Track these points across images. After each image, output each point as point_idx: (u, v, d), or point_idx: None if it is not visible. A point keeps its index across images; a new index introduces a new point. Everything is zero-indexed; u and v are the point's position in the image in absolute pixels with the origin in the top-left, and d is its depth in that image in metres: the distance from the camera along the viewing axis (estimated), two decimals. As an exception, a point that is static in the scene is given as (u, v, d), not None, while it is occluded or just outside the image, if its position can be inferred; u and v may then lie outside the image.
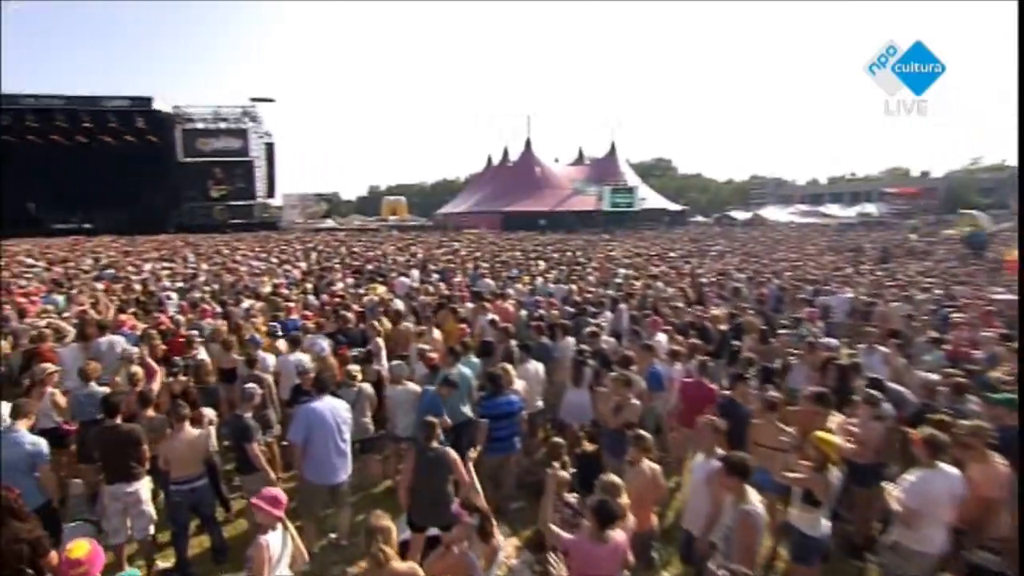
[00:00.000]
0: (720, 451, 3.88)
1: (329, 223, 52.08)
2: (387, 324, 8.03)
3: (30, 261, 18.65)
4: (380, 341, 7.10)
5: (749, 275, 14.42)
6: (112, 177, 42.13)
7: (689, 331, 7.85)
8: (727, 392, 5.41)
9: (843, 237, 32.65)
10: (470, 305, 9.60)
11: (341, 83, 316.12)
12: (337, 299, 10.05)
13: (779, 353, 7.41)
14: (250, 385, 5.02)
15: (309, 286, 12.03)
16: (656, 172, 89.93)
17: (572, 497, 4.47)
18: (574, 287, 11.50)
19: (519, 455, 5.46)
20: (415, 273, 14.51)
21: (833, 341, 7.30)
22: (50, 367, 5.95)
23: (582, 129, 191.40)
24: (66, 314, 9.11)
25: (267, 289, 11.71)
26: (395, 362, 6.18)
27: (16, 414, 4.14)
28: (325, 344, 6.97)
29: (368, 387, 5.71)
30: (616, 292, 10.92)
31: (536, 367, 6.14)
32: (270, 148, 46.77)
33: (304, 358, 6.26)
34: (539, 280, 12.78)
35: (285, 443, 5.28)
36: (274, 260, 18.20)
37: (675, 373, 6.20)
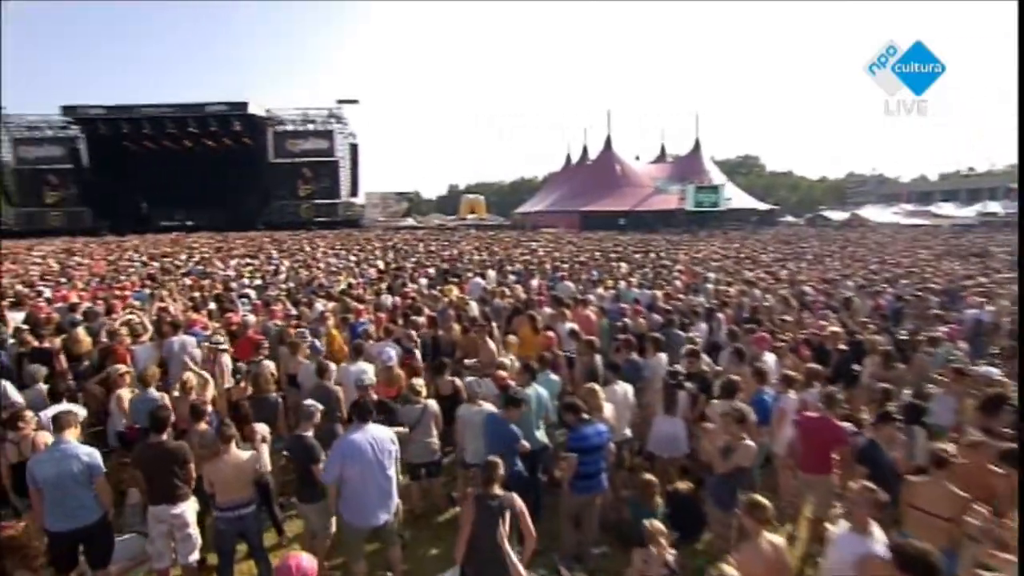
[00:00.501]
0: (876, 527, 2.93)
1: (409, 221, 53.21)
2: (457, 330, 7.49)
3: (136, 256, 19.92)
4: (418, 354, 6.55)
5: (859, 283, 12.75)
6: (211, 178, 45.33)
7: (801, 350, 6.73)
8: (867, 434, 4.36)
9: (961, 240, 29.06)
10: (548, 311, 8.93)
11: (423, 83, 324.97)
12: (408, 301, 9.67)
13: (909, 380, 6.20)
14: (309, 402, 4.56)
15: (384, 286, 11.78)
16: (742, 170, 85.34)
17: (671, 554, 3.70)
18: (658, 293, 10.48)
19: (605, 492, 4.68)
20: (491, 274, 13.99)
21: (993, 370, 5.96)
22: (122, 368, 5.86)
23: (665, 126, 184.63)
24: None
25: (341, 287, 11.60)
26: (470, 378, 5.60)
27: (60, 426, 3.86)
28: (393, 352, 6.50)
29: (434, 404, 5.13)
30: (709, 300, 9.84)
31: (625, 389, 5.32)
32: (354, 148, 48.28)
33: (367, 368, 5.80)
34: (622, 284, 11.85)
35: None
36: (352, 258, 18.35)
37: (787, 402, 5.20)
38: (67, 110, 42.49)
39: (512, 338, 7.25)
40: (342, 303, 8.94)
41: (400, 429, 4.58)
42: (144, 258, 19.44)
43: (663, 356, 6.32)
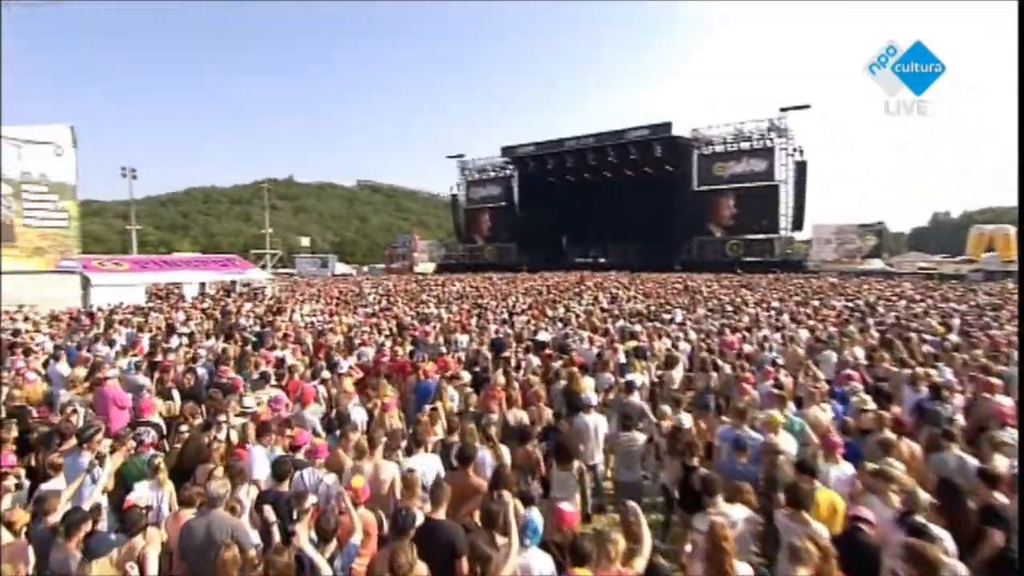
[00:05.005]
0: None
1: (876, 264, 41.28)
2: None
3: (508, 307, 17.81)
4: None
5: None
6: (628, 211, 44.91)
7: None
8: None
9: None
10: None
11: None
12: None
13: None
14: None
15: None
16: None
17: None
18: None
19: None
20: None
21: None
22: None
23: None
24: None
25: (788, 472, 5.17)
26: None
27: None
28: None
29: None
30: None
31: None
32: (801, 168, 40.18)
33: None
34: None
35: None
36: (803, 335, 11.39)
37: None
38: (505, 151, 48.98)
39: None
40: None
41: None
42: (523, 304, 17.19)
43: None
